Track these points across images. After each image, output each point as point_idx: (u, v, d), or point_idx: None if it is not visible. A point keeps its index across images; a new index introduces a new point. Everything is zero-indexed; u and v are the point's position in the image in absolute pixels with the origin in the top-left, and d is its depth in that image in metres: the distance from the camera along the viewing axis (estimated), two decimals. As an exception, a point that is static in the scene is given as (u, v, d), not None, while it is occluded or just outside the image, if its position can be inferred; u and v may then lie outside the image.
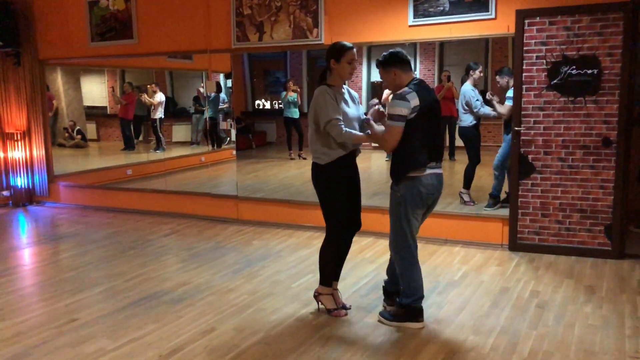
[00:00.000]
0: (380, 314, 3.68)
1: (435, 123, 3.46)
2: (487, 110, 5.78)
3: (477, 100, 5.82)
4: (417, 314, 3.54)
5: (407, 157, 3.38)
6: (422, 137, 3.37)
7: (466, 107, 5.88)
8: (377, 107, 3.63)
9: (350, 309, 3.84)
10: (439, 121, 3.52)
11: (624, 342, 3.30)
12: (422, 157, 3.37)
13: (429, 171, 3.40)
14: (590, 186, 4.79)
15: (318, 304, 3.84)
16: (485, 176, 6.06)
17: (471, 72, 5.85)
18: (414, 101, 3.29)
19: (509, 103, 5.41)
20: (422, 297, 3.55)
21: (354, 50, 3.56)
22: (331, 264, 3.78)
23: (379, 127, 3.52)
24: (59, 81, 8.36)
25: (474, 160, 5.98)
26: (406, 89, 3.35)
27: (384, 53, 3.46)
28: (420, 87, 3.38)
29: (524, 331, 3.46)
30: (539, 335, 3.40)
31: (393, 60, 3.43)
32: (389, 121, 3.36)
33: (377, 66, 3.50)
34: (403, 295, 3.55)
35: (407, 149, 3.37)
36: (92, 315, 3.83)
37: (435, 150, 3.43)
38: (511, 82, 5.44)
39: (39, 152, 7.49)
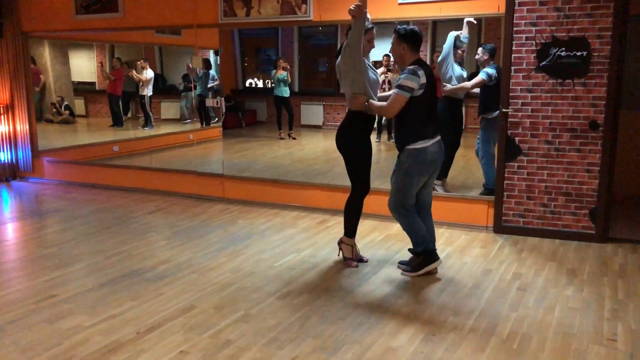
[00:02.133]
0: (403, 269, 4.09)
1: (434, 99, 3.89)
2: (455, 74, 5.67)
3: (454, 73, 5.70)
4: (433, 255, 4.01)
5: (414, 130, 3.79)
6: (426, 112, 3.80)
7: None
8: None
9: (367, 261, 4.35)
10: (436, 97, 3.95)
11: (603, 324, 3.31)
12: (427, 129, 3.80)
13: (433, 140, 3.81)
14: (576, 169, 4.78)
15: (339, 251, 4.36)
16: (474, 158, 6.01)
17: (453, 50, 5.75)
18: (423, 78, 3.69)
19: (481, 75, 5.36)
20: (429, 240, 4.00)
21: (374, 30, 3.99)
22: (355, 217, 4.22)
23: (378, 103, 3.96)
24: (46, 55, 8.22)
25: (450, 146, 5.83)
26: (416, 67, 3.70)
27: (406, 26, 3.81)
28: (427, 67, 3.77)
29: (504, 313, 3.47)
30: (519, 317, 3.40)
31: (408, 36, 3.75)
32: (397, 89, 3.72)
33: (394, 33, 3.83)
34: (415, 245, 4.01)
35: (414, 122, 3.79)
36: (72, 291, 3.80)
37: (435, 123, 3.88)
38: (487, 60, 5.42)
39: (22, 126, 7.38)
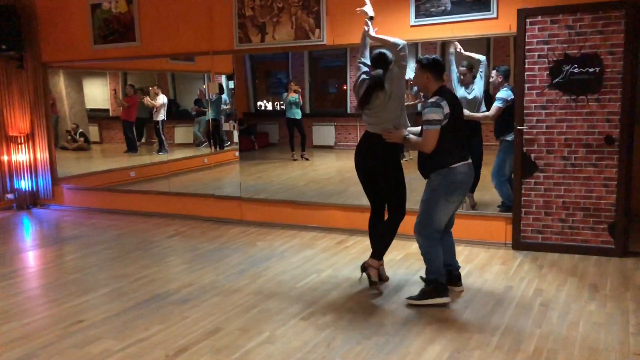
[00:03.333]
0: (408, 298, 3.95)
1: (460, 123, 3.91)
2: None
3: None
4: (443, 289, 3.90)
5: (443, 157, 3.80)
6: (452, 140, 3.80)
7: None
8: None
9: (387, 280, 4.37)
10: (463, 123, 3.97)
11: (628, 339, 3.31)
12: (450, 158, 3.80)
13: (461, 162, 3.82)
14: (593, 184, 4.80)
15: (368, 275, 4.23)
16: (489, 175, 6.04)
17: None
18: (446, 108, 3.73)
19: (497, 104, 5.39)
20: (443, 273, 3.92)
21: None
22: (378, 240, 4.26)
23: (415, 138, 3.96)
24: (61, 84, 8.39)
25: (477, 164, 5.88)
26: (439, 97, 3.76)
27: (428, 56, 3.89)
28: (449, 95, 3.84)
29: (528, 329, 3.48)
30: (544, 334, 3.41)
31: (431, 66, 3.84)
32: (426, 126, 3.76)
33: (417, 63, 3.92)
34: (428, 272, 3.93)
35: (443, 150, 3.79)
36: (98, 316, 3.85)
37: (463, 148, 3.89)
38: (501, 82, 5.46)
39: (42, 154, 7.52)
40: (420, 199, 3.94)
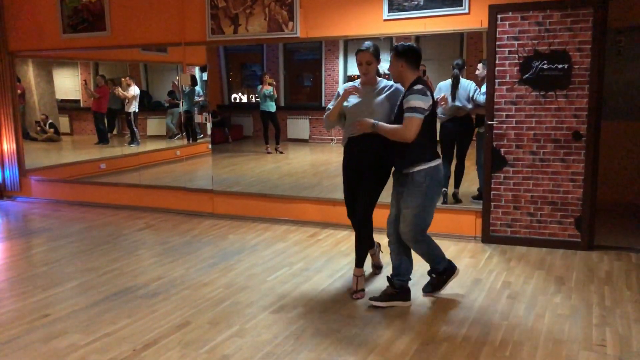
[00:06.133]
0: (424, 290, 3.99)
1: (435, 121, 3.77)
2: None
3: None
4: (452, 267, 3.98)
5: (426, 149, 3.63)
6: (430, 134, 3.66)
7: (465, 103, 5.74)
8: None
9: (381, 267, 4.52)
10: (435, 118, 3.80)
11: (591, 331, 3.39)
12: (430, 152, 3.67)
13: (438, 159, 3.71)
14: (560, 179, 4.89)
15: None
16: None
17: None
18: (430, 99, 3.57)
19: (482, 98, 5.42)
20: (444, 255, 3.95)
21: (361, 53, 3.83)
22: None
23: (390, 126, 3.69)
24: (30, 74, 8.21)
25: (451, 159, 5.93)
26: (423, 87, 3.57)
27: (403, 43, 3.70)
28: (429, 88, 3.63)
29: (495, 321, 3.53)
30: (510, 326, 3.47)
31: (405, 53, 3.62)
32: (411, 113, 3.51)
33: (392, 51, 3.69)
34: (438, 265, 3.91)
35: (426, 142, 3.63)
36: (65, 310, 3.79)
37: (436, 143, 3.79)
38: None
39: (9, 145, 7.35)
40: (403, 207, 3.73)
